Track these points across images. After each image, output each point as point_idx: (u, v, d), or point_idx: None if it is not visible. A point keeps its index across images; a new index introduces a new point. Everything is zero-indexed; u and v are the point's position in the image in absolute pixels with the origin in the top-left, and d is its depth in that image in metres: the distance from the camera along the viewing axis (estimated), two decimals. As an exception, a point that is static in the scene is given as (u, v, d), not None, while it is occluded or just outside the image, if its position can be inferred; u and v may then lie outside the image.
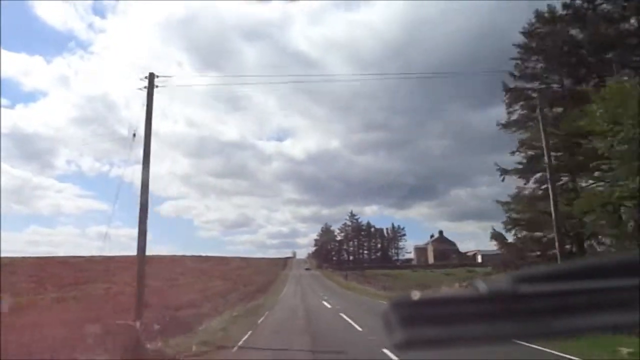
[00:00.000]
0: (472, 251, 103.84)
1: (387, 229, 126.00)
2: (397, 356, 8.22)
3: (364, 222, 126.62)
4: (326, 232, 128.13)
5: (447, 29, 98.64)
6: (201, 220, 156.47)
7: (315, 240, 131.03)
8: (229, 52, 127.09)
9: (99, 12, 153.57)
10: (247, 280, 55.59)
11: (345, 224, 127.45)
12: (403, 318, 0.68)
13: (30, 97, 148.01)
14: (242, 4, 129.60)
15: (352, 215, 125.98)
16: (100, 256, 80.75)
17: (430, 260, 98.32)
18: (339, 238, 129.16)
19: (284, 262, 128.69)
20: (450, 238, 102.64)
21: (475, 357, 2.43)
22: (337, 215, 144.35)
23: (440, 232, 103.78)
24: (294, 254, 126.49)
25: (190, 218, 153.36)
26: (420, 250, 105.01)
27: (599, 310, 0.67)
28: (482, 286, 0.69)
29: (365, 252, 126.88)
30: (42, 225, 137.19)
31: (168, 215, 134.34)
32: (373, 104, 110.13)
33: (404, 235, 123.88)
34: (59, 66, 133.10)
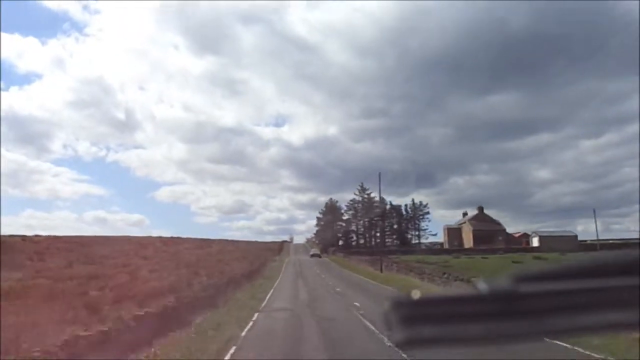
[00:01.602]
0: (518, 232, 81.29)
1: (406, 205, 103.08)
2: None
3: (377, 198, 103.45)
4: (331, 209, 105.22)
5: (447, 15, 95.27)
6: (198, 206, 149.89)
7: (318, 218, 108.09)
8: (226, 35, 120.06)
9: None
10: (221, 268, 34.44)
11: (353, 200, 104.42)
12: (404, 317, 0.66)
13: (24, 80, 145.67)
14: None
15: (362, 189, 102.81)
16: (43, 236, 57.24)
17: (468, 243, 75.47)
18: (346, 217, 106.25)
19: (279, 247, 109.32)
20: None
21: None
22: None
23: (480, 209, 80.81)
24: (292, 238, 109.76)
25: (187, 204, 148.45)
26: (453, 231, 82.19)
27: (600, 310, 0.65)
28: (482, 285, 0.68)
29: (378, 233, 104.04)
30: (38, 209, 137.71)
31: (164, 200, 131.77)
32: (372, 90, 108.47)
33: (427, 213, 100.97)
34: (53, 48, 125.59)
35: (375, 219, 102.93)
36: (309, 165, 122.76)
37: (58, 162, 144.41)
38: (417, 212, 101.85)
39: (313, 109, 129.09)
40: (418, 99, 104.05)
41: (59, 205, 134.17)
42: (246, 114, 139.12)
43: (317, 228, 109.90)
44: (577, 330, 0.68)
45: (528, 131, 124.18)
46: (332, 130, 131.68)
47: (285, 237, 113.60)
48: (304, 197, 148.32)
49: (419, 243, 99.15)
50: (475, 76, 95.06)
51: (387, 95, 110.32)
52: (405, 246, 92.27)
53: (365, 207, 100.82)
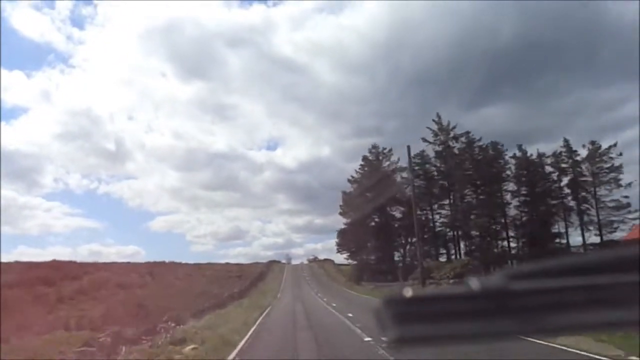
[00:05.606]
0: None
1: (556, 157, 43.88)
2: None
3: (476, 136, 46.53)
4: (371, 168, 49.42)
5: (435, 30, 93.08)
6: (193, 235, 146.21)
7: (344, 196, 52.65)
8: (213, 60, 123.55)
9: (77, 23, 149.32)
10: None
11: (421, 154, 47.81)
12: (396, 315, 0.66)
13: (11, 114, 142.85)
14: (224, 10, 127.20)
15: (441, 126, 46.14)
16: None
17: None
18: (408, 194, 49.25)
19: (262, 269, 59.73)
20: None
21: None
22: (332, 225, 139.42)
23: None
24: (289, 258, 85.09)
25: (182, 233, 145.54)
26: None
27: (595, 307, 0.64)
28: (474, 283, 0.67)
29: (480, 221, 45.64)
30: (30, 245, 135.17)
31: (159, 230, 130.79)
32: (364, 108, 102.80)
33: (620, 168, 41.04)
34: (39, 80, 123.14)
35: (479, 184, 44.61)
36: (304, 188, 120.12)
37: (49, 197, 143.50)
38: (594, 165, 41.72)
39: (305, 131, 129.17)
40: (411, 115, 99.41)
41: (51, 241, 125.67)
42: (238, 139, 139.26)
43: (345, 222, 53.59)
44: (569, 328, 0.67)
45: (523, 142, 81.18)
46: (325, 151, 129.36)
47: (281, 259, 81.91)
48: (300, 220, 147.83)
49: (598, 242, 38.97)
50: (468, 89, 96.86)
51: (379, 113, 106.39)
52: (543, 248, 35.42)
53: (456, 156, 43.32)
